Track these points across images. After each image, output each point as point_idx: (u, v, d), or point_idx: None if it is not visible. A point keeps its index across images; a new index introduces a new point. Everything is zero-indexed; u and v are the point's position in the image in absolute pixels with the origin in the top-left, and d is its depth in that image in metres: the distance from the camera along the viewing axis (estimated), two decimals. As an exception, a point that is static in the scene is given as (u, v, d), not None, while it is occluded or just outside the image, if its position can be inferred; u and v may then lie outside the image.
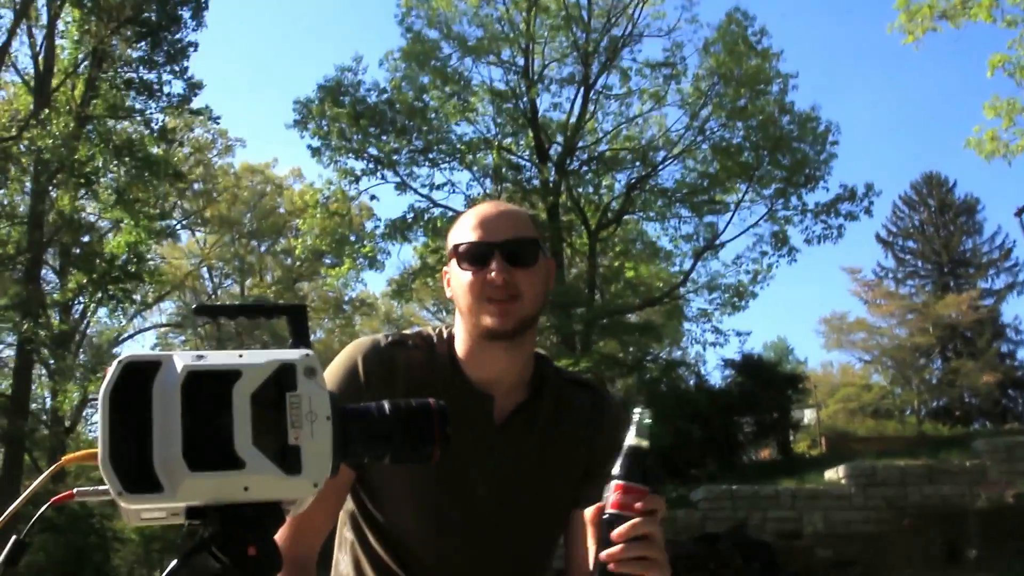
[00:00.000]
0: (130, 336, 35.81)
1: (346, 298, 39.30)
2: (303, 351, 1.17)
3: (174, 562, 1.12)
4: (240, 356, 1.14)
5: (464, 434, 1.83)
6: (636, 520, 1.51)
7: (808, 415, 29.48)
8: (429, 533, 1.87)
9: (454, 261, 1.91)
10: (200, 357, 1.13)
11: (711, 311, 25.37)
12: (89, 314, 29.86)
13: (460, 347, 1.95)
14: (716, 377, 32.61)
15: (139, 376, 1.11)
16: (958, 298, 37.12)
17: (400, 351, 1.93)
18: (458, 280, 1.90)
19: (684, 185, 23.57)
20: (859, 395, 38.18)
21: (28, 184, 23.13)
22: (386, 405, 1.25)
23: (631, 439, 1.55)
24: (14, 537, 1.20)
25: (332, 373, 1.91)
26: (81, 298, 27.36)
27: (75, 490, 1.21)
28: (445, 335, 1.99)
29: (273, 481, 1.11)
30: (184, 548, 1.12)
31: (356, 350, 1.93)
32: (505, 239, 1.87)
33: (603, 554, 1.52)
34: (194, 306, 1.26)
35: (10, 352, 25.17)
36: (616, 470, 1.55)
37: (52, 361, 24.31)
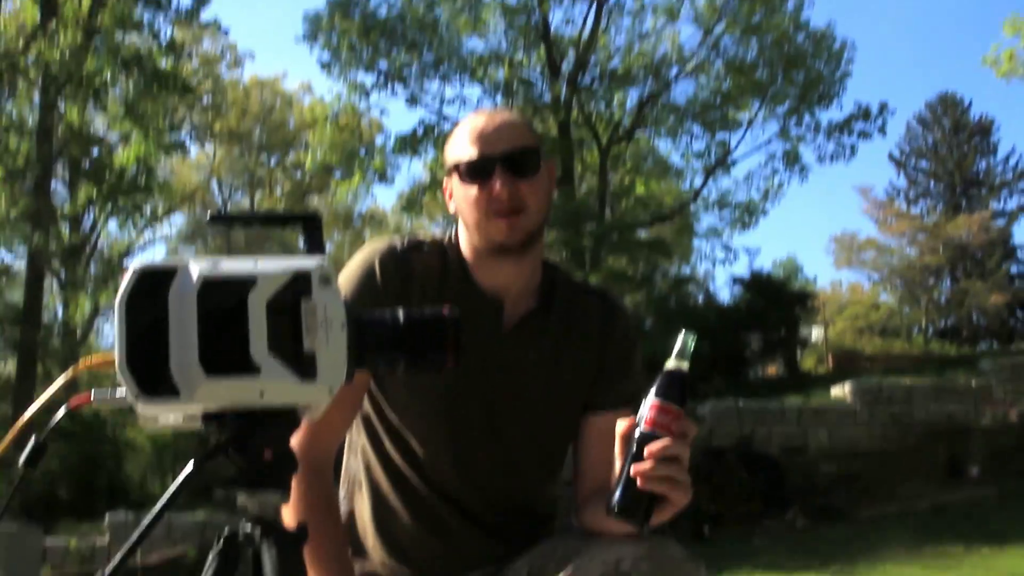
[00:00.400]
0: (140, 248, 35.94)
1: (356, 212, 39.28)
2: (318, 259, 1.17)
3: (190, 465, 1.14)
4: (255, 263, 1.15)
5: (475, 340, 1.84)
6: (669, 440, 1.52)
7: (816, 333, 29.55)
8: (440, 437, 1.88)
9: (455, 176, 1.89)
10: (216, 264, 1.13)
11: (721, 228, 25.38)
12: (99, 226, 29.90)
13: (468, 256, 1.94)
14: (725, 294, 32.67)
15: (155, 283, 1.12)
16: (969, 219, 36.99)
17: (416, 255, 1.92)
18: (461, 196, 1.88)
19: (696, 102, 23.34)
20: (867, 314, 38.25)
21: (36, 97, 22.99)
22: (400, 313, 1.25)
23: (672, 360, 1.54)
24: (33, 438, 1.22)
25: (349, 275, 1.90)
26: (91, 210, 27.39)
27: (92, 391, 1.23)
28: (453, 241, 1.98)
29: (288, 386, 1.12)
30: (199, 454, 1.13)
31: (373, 252, 1.92)
32: (505, 151, 1.84)
33: (633, 469, 1.53)
34: (209, 214, 1.26)
35: (21, 264, 25.24)
36: (654, 389, 1.55)
37: (63, 273, 24.43)
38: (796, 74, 22.11)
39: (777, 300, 21.75)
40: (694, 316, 20.94)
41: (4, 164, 21.24)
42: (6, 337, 25.09)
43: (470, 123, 1.90)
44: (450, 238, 2.00)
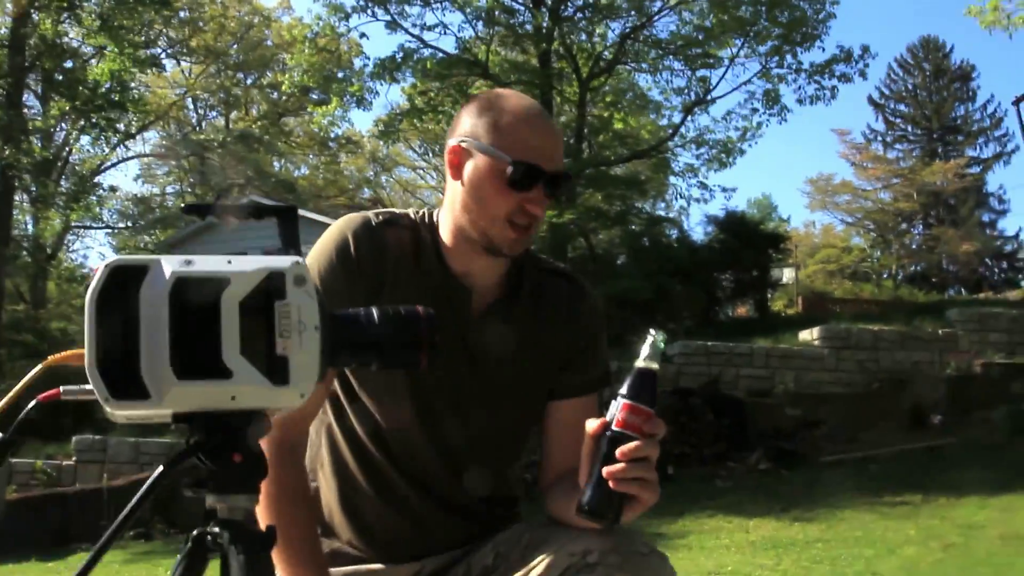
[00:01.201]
0: (113, 165, 35.54)
1: (332, 135, 38.92)
2: (293, 259, 1.15)
3: (159, 468, 1.13)
4: (229, 262, 1.13)
5: (445, 324, 1.83)
6: (640, 442, 1.53)
7: (787, 274, 29.72)
8: (407, 419, 1.87)
9: (492, 164, 1.79)
10: (188, 263, 1.12)
11: (698, 166, 25.27)
12: (72, 141, 29.57)
13: (446, 235, 1.90)
14: (699, 233, 32.73)
15: (126, 280, 1.10)
16: (945, 165, 37.15)
17: (390, 231, 1.88)
18: (487, 189, 1.80)
19: (679, 37, 23.13)
20: (839, 256, 38.53)
21: (8, 5, 22.54)
22: (375, 312, 1.24)
23: (642, 360, 1.54)
24: (-1, 434, 1.21)
25: (323, 249, 1.86)
26: (63, 125, 27.06)
27: (61, 389, 1.21)
28: (427, 220, 1.94)
29: (260, 391, 1.11)
30: (168, 457, 1.12)
31: (347, 226, 1.87)
32: (554, 170, 1.79)
33: (605, 470, 1.54)
34: (183, 205, 1.24)
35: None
36: (624, 389, 1.54)
37: (34, 188, 24.16)
38: (780, 13, 21.94)
39: (750, 241, 21.78)
40: (667, 255, 20.97)
41: (-26, 75, 20.89)
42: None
43: (529, 121, 1.82)
44: (425, 217, 1.95)
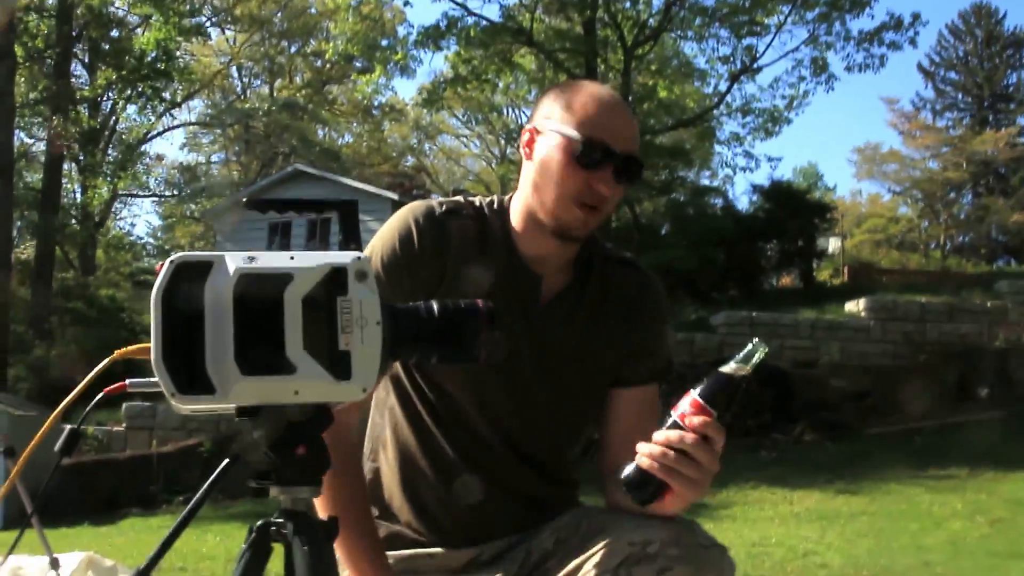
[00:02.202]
0: (159, 133, 35.86)
1: (376, 103, 38.96)
2: (355, 254, 1.17)
3: (226, 460, 1.15)
4: (291, 258, 1.14)
5: (512, 310, 1.85)
6: (686, 433, 1.53)
7: (833, 244, 29.47)
8: (470, 401, 1.89)
9: (561, 141, 1.81)
10: (251, 259, 1.13)
11: (743, 135, 25.11)
12: (118, 110, 29.79)
13: (517, 221, 1.91)
14: (744, 202, 32.52)
15: (191, 276, 1.12)
16: (996, 134, 36.55)
17: (454, 219, 1.89)
18: (557, 166, 1.81)
19: (725, 4, 22.85)
20: (886, 226, 38.13)
21: (57, -25, 22.71)
22: (435, 306, 1.25)
23: (732, 364, 1.52)
24: (68, 427, 1.23)
25: (386, 238, 1.87)
26: (110, 94, 27.26)
27: (128, 382, 1.23)
28: (496, 206, 1.95)
29: (323, 386, 1.13)
30: (235, 449, 1.14)
31: (410, 215, 1.89)
32: (625, 152, 1.80)
33: (641, 448, 1.55)
34: (244, 199, 1.26)
35: (40, 146, 25.24)
36: (701, 386, 1.54)
37: (82, 157, 24.42)
38: (829, -21, 21.65)
39: (796, 210, 21.60)
40: (712, 224, 20.85)
41: (24, 45, 21.06)
42: (26, 221, 25.17)
43: (601, 102, 1.83)
44: (493, 202, 1.96)
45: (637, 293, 1.98)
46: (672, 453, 1.53)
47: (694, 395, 1.53)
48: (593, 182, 1.79)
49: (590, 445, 2.05)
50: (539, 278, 1.90)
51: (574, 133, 1.79)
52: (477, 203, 1.96)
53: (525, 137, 1.90)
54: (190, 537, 9.54)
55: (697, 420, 1.52)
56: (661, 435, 1.54)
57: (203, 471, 11.59)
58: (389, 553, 1.91)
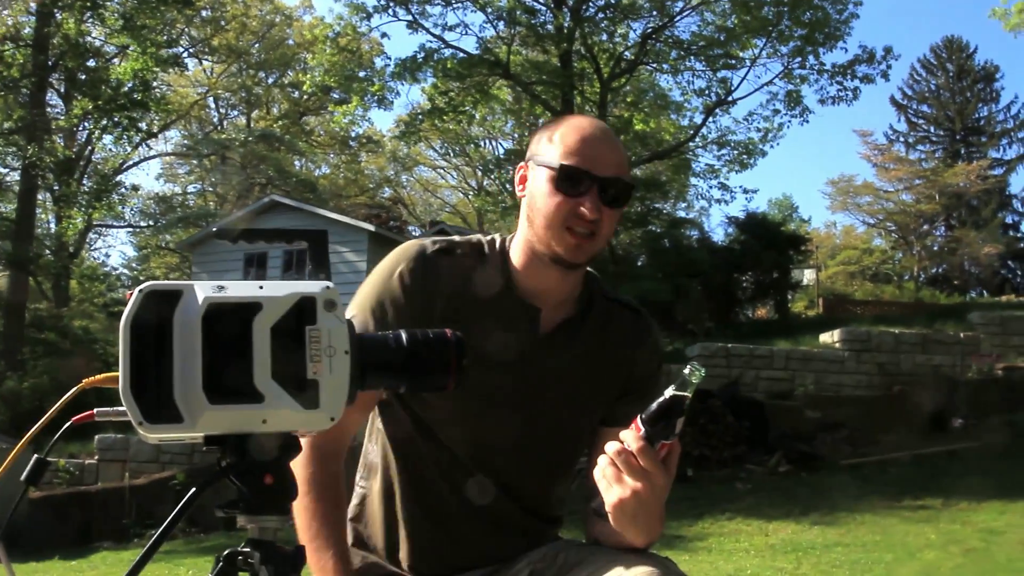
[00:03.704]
0: (135, 163, 35.75)
1: (353, 134, 39.00)
2: (323, 283, 1.17)
3: (192, 490, 1.15)
4: (261, 288, 1.15)
5: (510, 344, 1.88)
6: (620, 448, 1.55)
7: (808, 275, 29.62)
8: (464, 436, 1.90)
9: (545, 172, 1.85)
10: (221, 288, 1.14)
11: (719, 167, 25.26)
12: (94, 140, 29.71)
13: (517, 256, 1.94)
14: (719, 234, 32.65)
15: (160, 305, 1.12)
16: (967, 167, 36.92)
17: (445, 259, 1.92)
18: (542, 196, 1.85)
19: (700, 38, 23.12)
20: (860, 258, 38.39)
21: (33, 5, 22.68)
22: (403, 335, 1.26)
23: (671, 389, 1.53)
24: (35, 456, 1.22)
25: (376, 279, 1.91)
26: (86, 124, 27.18)
27: (96, 411, 1.23)
28: (497, 244, 1.98)
29: (291, 415, 1.13)
30: (200, 478, 1.14)
31: (402, 256, 1.92)
32: (608, 176, 1.83)
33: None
34: (214, 228, 1.26)
35: (15, 176, 25.10)
36: (646, 413, 1.55)
37: (57, 186, 24.30)
38: (802, 14, 21.88)
39: (771, 242, 21.75)
40: (687, 256, 20.96)
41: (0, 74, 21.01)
42: (-1, 250, 24.97)
43: (581, 129, 1.87)
44: (496, 242, 1.99)
45: (635, 335, 2.02)
46: (610, 467, 1.56)
47: (638, 420, 1.55)
48: (579, 208, 1.81)
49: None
50: (537, 311, 1.93)
51: (554, 162, 1.83)
52: (475, 241, 1.99)
53: (518, 175, 1.95)
54: (163, 570, 9.45)
55: (631, 438, 1.53)
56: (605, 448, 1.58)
57: (176, 504, 11.49)
58: None
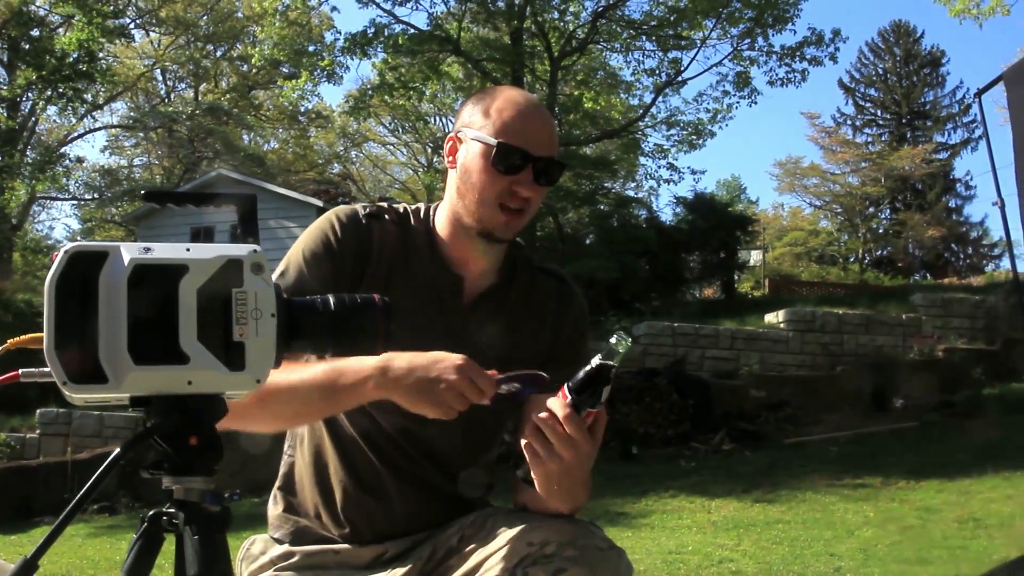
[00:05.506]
0: (80, 135, 35.24)
1: (302, 109, 38.66)
2: (251, 247, 1.18)
3: (116, 450, 1.15)
4: (188, 250, 1.15)
5: (433, 311, 1.90)
6: (545, 416, 1.58)
7: (755, 256, 29.91)
8: (390, 404, 1.91)
9: (479, 147, 1.86)
10: (147, 250, 1.14)
11: (668, 147, 25.36)
12: (38, 111, 29.24)
13: (442, 226, 1.96)
14: (668, 214, 32.82)
15: (86, 266, 1.12)
16: (913, 150, 37.37)
17: (376, 223, 1.94)
18: (477, 172, 1.86)
19: (652, 17, 23.16)
20: (806, 239, 38.78)
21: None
22: (331, 299, 1.26)
23: (598, 358, 1.56)
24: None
25: (309, 236, 1.92)
26: (30, 95, 26.74)
27: (20, 371, 1.23)
28: (421, 213, 2.00)
29: (216, 376, 1.14)
30: (125, 440, 1.15)
31: (335, 215, 1.94)
32: (543, 156, 1.85)
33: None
34: (142, 192, 1.26)
35: (-45, 147, 24.66)
36: (572, 380, 1.58)
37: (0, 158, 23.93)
38: (752, -5, 21.98)
39: (719, 222, 21.90)
40: (635, 235, 21.02)
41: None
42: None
43: (517, 106, 1.88)
44: (419, 210, 2.01)
45: (559, 301, 2.04)
46: (537, 434, 1.59)
47: (564, 388, 1.57)
48: (514, 186, 1.84)
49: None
50: (460, 279, 1.95)
51: (492, 140, 1.84)
52: (402, 210, 2.01)
53: (448, 146, 1.95)
54: (104, 544, 9.39)
55: (558, 406, 1.55)
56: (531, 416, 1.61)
57: (119, 478, 11.41)
58: (295, 548, 1.93)
